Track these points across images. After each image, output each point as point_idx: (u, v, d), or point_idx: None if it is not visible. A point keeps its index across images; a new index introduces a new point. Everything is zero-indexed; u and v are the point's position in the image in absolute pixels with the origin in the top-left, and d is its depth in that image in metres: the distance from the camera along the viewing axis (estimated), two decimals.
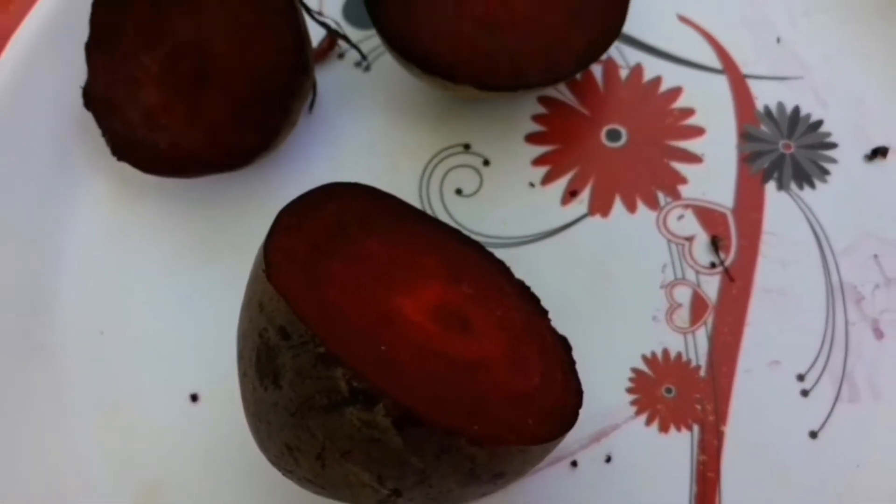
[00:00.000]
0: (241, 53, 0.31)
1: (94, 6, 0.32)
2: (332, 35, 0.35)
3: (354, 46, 0.35)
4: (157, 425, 0.30)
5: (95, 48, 0.32)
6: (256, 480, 0.28)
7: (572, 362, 0.27)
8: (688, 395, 0.29)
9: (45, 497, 0.29)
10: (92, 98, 0.33)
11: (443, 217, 0.33)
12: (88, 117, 0.33)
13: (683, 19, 0.36)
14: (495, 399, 0.23)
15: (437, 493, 0.22)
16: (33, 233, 0.33)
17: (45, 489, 0.29)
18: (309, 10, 0.32)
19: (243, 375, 0.24)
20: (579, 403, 0.25)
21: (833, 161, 0.33)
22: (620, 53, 0.35)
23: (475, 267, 0.29)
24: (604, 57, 0.35)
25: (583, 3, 0.31)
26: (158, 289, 0.33)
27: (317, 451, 0.21)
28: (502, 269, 0.30)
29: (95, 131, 0.33)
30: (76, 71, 0.33)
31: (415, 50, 0.30)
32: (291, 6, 0.30)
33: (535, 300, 0.30)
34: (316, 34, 0.36)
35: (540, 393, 0.25)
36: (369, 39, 0.37)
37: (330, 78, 0.36)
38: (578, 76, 0.35)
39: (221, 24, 0.31)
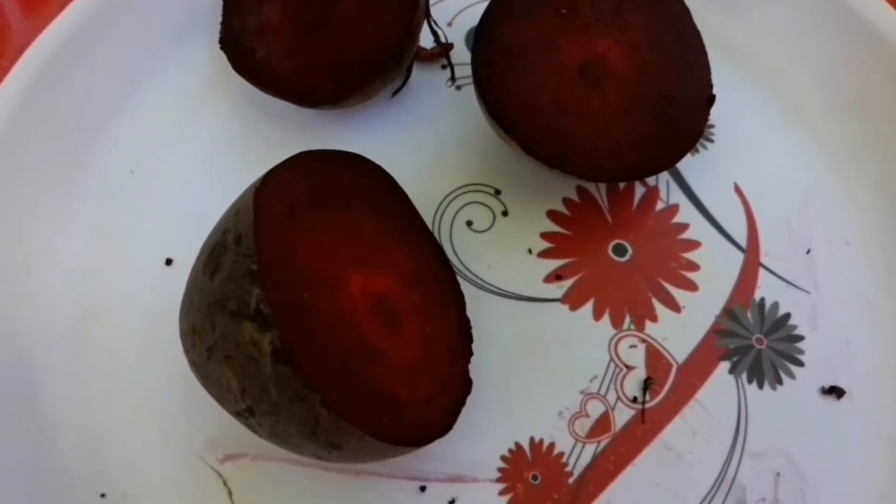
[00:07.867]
0: (357, 22, 0.34)
1: None
2: (440, 47, 0.38)
3: (451, 69, 0.39)
4: (131, 260, 0.35)
5: None
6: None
7: (461, 405, 0.29)
8: (548, 490, 0.31)
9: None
10: None
11: (444, 237, 0.36)
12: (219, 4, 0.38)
13: (738, 190, 0.37)
14: (371, 387, 0.26)
15: (280, 431, 0.25)
16: (125, 69, 0.39)
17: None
18: (430, 17, 0.36)
19: (198, 257, 0.27)
20: (436, 437, 0.27)
21: (791, 377, 0.34)
22: (666, 187, 0.37)
23: (435, 285, 0.31)
24: (652, 182, 0.37)
25: (656, 133, 0.33)
26: (190, 157, 0.38)
27: (209, 344, 0.24)
28: (459, 301, 0.32)
29: (218, 17, 0.37)
30: None
31: (493, 107, 0.32)
32: (414, 6, 0.34)
33: (468, 340, 0.32)
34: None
35: (412, 408, 0.27)
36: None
37: (426, 78, 0.40)
38: (621, 185, 0.37)
39: None
